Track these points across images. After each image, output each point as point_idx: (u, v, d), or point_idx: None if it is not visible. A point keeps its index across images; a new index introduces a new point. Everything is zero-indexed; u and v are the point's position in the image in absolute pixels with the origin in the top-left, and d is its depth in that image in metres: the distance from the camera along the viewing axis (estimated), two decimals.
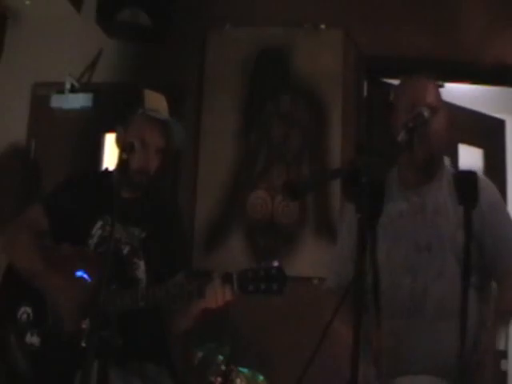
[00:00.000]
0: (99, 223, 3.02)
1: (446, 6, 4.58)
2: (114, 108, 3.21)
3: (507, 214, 2.79)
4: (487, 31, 4.53)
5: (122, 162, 2.80)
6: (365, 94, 4.62)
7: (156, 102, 3.14)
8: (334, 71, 4.61)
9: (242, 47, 4.71)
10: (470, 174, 2.75)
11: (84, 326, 2.77)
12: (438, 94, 2.77)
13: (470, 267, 2.63)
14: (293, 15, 4.69)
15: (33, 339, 2.88)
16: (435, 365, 2.57)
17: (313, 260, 4.34)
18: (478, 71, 4.45)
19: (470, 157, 4.64)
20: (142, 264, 3.01)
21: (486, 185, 2.76)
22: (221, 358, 3.48)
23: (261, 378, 3.60)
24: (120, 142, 3.12)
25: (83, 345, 2.73)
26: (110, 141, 3.25)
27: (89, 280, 2.85)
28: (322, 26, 4.65)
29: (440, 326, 2.61)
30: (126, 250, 3.00)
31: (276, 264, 2.67)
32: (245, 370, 3.55)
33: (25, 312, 2.92)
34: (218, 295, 2.69)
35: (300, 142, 4.57)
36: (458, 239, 2.63)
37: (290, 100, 4.64)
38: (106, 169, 3.28)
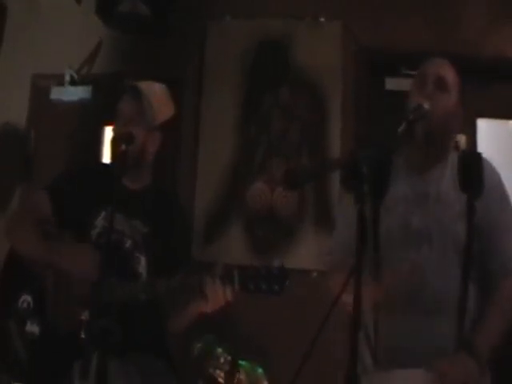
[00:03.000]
0: (103, 214, 3.01)
1: (447, 1, 4.58)
2: (113, 100, 3.19)
3: (509, 203, 2.75)
4: (488, 25, 4.52)
5: (121, 154, 2.81)
6: (364, 86, 4.62)
7: (143, 83, 3.12)
8: (333, 64, 4.61)
9: (242, 39, 4.71)
10: (475, 159, 2.73)
11: (83, 317, 2.77)
12: (453, 73, 2.72)
13: (471, 260, 2.62)
14: (292, 8, 4.69)
15: (33, 328, 2.88)
16: (432, 359, 2.56)
17: (312, 252, 4.33)
18: (479, 64, 4.44)
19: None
20: (143, 259, 3.00)
21: (491, 170, 2.72)
22: (220, 350, 3.48)
23: (260, 370, 3.60)
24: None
25: (82, 336, 2.74)
26: (109, 133, 3.27)
27: None
28: (322, 19, 4.65)
29: (438, 320, 2.59)
30: (127, 243, 3.00)
31: (278, 264, 2.66)
32: (244, 363, 3.55)
33: (25, 300, 2.92)
34: (219, 297, 2.68)
35: (299, 134, 4.57)
36: (459, 231, 2.61)
37: (290, 93, 4.63)
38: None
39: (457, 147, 2.83)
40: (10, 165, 4.74)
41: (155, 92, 3.11)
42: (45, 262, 2.89)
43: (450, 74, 2.71)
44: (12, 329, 2.90)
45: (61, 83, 4.79)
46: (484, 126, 4.56)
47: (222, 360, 3.47)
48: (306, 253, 4.36)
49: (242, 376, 3.46)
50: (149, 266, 3.00)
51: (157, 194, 3.15)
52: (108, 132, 4.47)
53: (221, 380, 3.44)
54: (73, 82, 4.77)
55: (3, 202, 4.48)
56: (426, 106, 2.55)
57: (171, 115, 3.16)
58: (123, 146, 2.81)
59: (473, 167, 2.67)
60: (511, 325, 2.64)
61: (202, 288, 2.69)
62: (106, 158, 3.23)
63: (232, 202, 4.55)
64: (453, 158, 2.74)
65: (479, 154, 2.76)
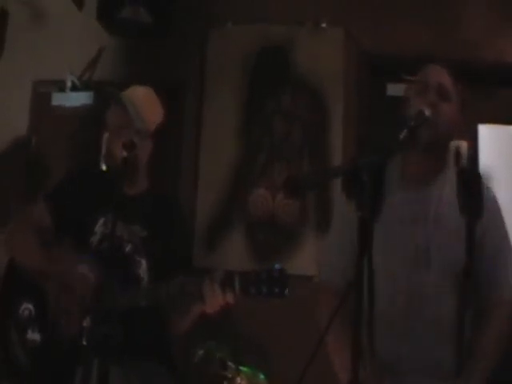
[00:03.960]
0: (102, 220, 3.01)
1: (447, 4, 4.58)
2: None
3: (505, 227, 2.73)
4: (488, 29, 4.53)
5: (122, 160, 2.81)
6: (366, 91, 4.62)
7: (127, 92, 3.12)
8: (335, 69, 4.62)
9: (243, 45, 4.71)
10: (475, 180, 2.69)
11: (85, 323, 2.77)
12: (453, 82, 2.70)
13: (470, 287, 2.58)
14: (294, 13, 4.69)
15: (34, 336, 2.88)
16: (429, 376, 2.56)
17: (313, 258, 4.32)
18: (480, 70, 4.44)
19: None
20: (143, 262, 3.00)
21: (489, 193, 2.69)
22: (221, 356, 3.49)
23: (261, 376, 3.60)
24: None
25: (84, 343, 2.74)
26: (105, 138, 3.29)
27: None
28: (323, 25, 4.65)
29: (435, 341, 2.58)
30: (127, 248, 3.00)
31: (278, 267, 2.66)
32: (245, 369, 3.55)
33: (26, 308, 2.93)
34: (218, 299, 2.68)
35: (301, 139, 4.58)
36: (459, 257, 2.55)
37: (291, 97, 4.64)
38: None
39: (458, 154, 2.81)
40: (12, 172, 4.74)
41: (141, 99, 3.10)
42: (43, 271, 2.90)
43: (450, 82, 2.70)
44: (13, 337, 2.90)
45: (62, 89, 4.79)
46: (485, 131, 4.56)
47: (223, 366, 3.47)
48: (307, 258, 4.36)
49: (243, 382, 3.47)
50: (150, 270, 3.00)
51: (155, 198, 3.15)
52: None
53: None
54: (74, 88, 4.78)
55: (5, 210, 4.47)
56: (427, 112, 2.53)
57: (161, 119, 3.16)
58: (124, 153, 2.81)
59: (473, 191, 2.60)
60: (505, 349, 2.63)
61: (202, 291, 2.69)
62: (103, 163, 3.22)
63: (234, 208, 4.55)
64: (451, 174, 2.69)
65: (479, 175, 2.73)
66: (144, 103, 3.09)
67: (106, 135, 3.09)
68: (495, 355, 2.59)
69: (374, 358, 2.56)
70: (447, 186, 2.67)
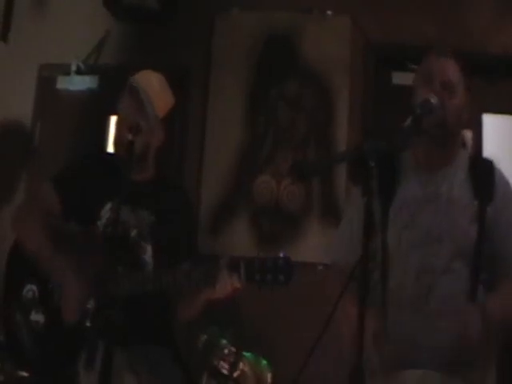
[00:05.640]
0: (109, 205, 3.00)
1: None
2: (119, 90, 3.20)
3: None
4: (495, 20, 4.52)
5: (128, 143, 2.81)
6: (371, 79, 4.62)
7: (139, 76, 3.12)
8: (341, 57, 4.61)
9: (250, 32, 4.70)
10: (487, 165, 2.72)
11: (89, 305, 2.78)
12: (458, 71, 2.70)
13: (480, 264, 2.60)
14: (300, 1, 4.68)
15: (38, 317, 2.89)
16: (438, 360, 2.55)
17: (318, 246, 4.34)
18: (485, 60, 4.44)
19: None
20: (149, 248, 3.00)
21: (501, 177, 2.71)
22: (224, 341, 3.50)
23: (264, 362, 3.61)
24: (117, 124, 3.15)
25: (88, 324, 2.75)
26: (115, 123, 3.30)
27: None
28: (329, 13, 4.64)
29: (445, 320, 2.56)
30: (133, 233, 3.00)
31: (283, 255, 2.67)
32: (248, 355, 3.56)
33: (30, 289, 2.93)
34: (226, 285, 2.69)
35: (306, 127, 4.57)
36: (470, 234, 2.59)
37: (297, 86, 4.63)
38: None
39: (463, 143, 2.82)
40: (15, 156, 4.75)
41: (153, 85, 3.10)
42: (46, 258, 2.91)
43: (455, 74, 2.68)
44: (17, 317, 2.91)
45: (67, 73, 4.79)
46: (490, 121, 4.56)
47: (226, 351, 3.48)
48: (312, 246, 4.37)
49: (246, 367, 3.48)
50: (155, 256, 3.01)
51: (162, 184, 3.16)
52: (114, 122, 4.50)
53: (225, 371, 3.46)
54: (79, 72, 4.77)
55: (8, 193, 4.50)
56: (434, 100, 2.54)
57: (172, 105, 3.17)
58: (130, 136, 2.81)
59: (485, 173, 2.66)
60: None
61: (208, 277, 2.70)
62: (112, 147, 3.23)
63: (238, 195, 4.55)
64: (463, 160, 2.73)
65: (491, 162, 2.74)
66: (155, 89, 3.09)
67: (115, 118, 3.08)
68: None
69: (388, 342, 2.56)
70: (459, 171, 2.70)
